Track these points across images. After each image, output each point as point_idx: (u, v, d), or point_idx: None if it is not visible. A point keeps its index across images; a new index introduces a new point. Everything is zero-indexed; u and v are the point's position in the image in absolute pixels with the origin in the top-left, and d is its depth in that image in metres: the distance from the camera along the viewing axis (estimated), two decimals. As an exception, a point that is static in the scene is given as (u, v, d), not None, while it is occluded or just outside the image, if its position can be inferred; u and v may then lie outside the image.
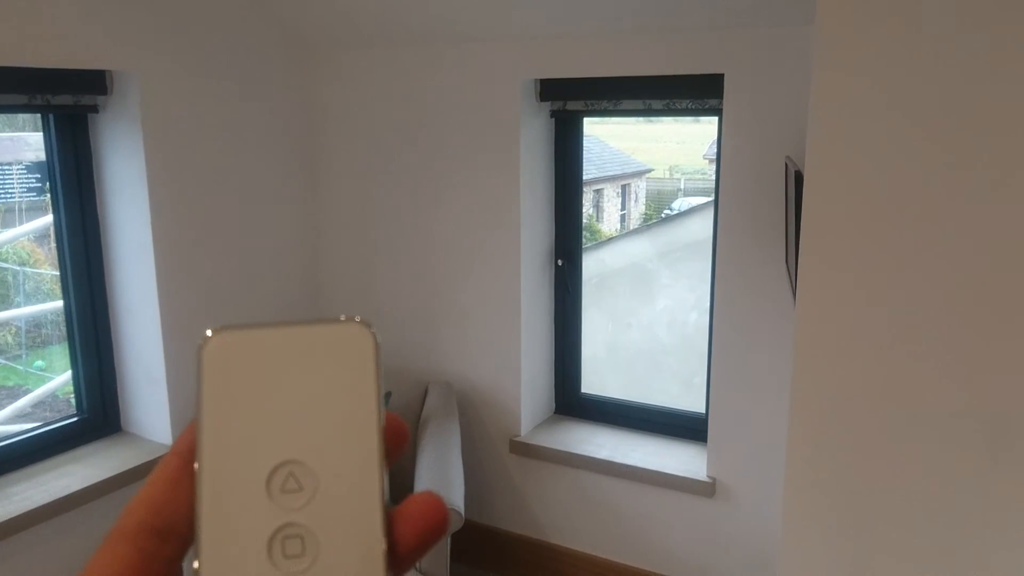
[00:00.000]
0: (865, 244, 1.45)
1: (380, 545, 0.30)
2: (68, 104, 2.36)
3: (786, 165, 2.12)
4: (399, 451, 0.32)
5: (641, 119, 5.03)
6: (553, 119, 2.76)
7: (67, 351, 2.59)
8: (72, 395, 2.80)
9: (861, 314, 1.48)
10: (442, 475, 2.34)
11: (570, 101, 2.65)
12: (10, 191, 4.26)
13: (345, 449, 0.30)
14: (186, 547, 0.31)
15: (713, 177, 2.51)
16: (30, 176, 4.00)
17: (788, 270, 2.13)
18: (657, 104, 2.50)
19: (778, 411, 2.33)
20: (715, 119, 2.47)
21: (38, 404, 4.05)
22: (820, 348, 1.53)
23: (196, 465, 0.29)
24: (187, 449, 0.31)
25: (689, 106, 2.46)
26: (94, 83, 2.39)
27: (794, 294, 1.64)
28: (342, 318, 0.31)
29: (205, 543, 0.29)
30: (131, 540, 0.30)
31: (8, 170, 4.14)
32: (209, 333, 0.30)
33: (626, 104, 2.55)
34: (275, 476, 0.29)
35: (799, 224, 1.54)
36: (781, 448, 1.63)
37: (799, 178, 1.63)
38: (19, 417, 3.90)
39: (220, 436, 0.29)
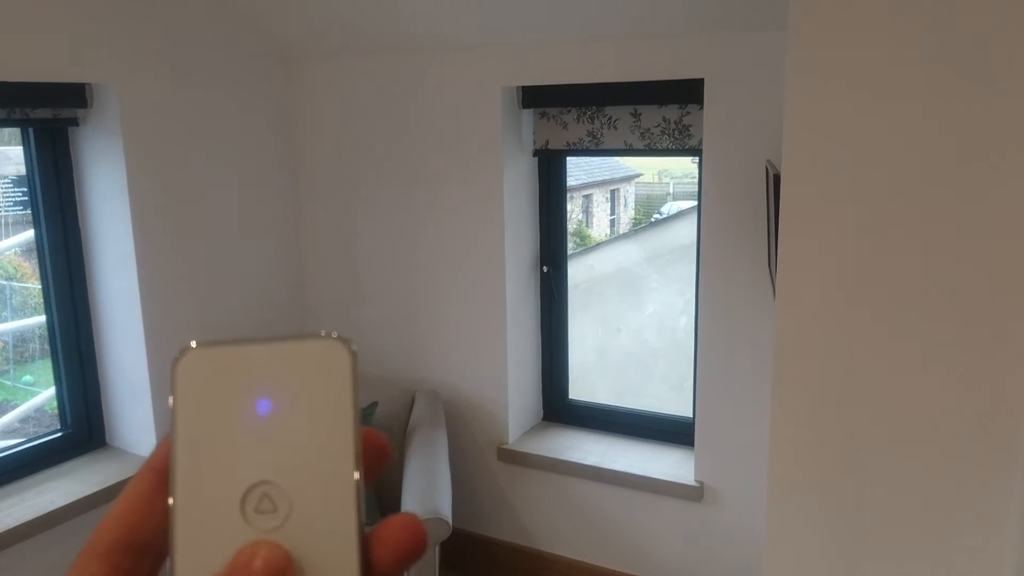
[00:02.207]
0: (842, 245, 1.45)
1: (355, 570, 0.29)
2: (48, 118, 2.35)
3: (766, 168, 2.12)
4: (379, 469, 0.31)
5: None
6: (536, 158, 2.78)
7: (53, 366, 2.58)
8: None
9: (840, 315, 1.48)
10: (429, 484, 2.33)
11: (552, 127, 2.66)
12: (-4, 205, 4.24)
13: (320, 470, 0.29)
14: (160, 563, 0.30)
15: (702, 181, 2.52)
16: (16, 190, 3.99)
17: (770, 273, 2.13)
18: (638, 144, 2.52)
19: (764, 414, 2.32)
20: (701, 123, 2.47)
21: (25, 419, 4.02)
22: (799, 349, 1.53)
23: (170, 484, 0.29)
24: (161, 464, 0.30)
25: (670, 146, 2.48)
26: (74, 96, 2.38)
27: (775, 296, 1.64)
28: (320, 333, 0.30)
29: (179, 565, 0.28)
30: (105, 558, 0.30)
31: (-5, 184, 4.12)
32: (184, 348, 0.30)
33: (607, 143, 2.57)
34: (249, 496, 0.29)
35: (778, 226, 1.54)
36: (767, 450, 1.63)
37: (778, 181, 1.63)
38: (7, 433, 3.87)
39: (194, 455, 0.29)
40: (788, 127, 1.48)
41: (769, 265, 2.14)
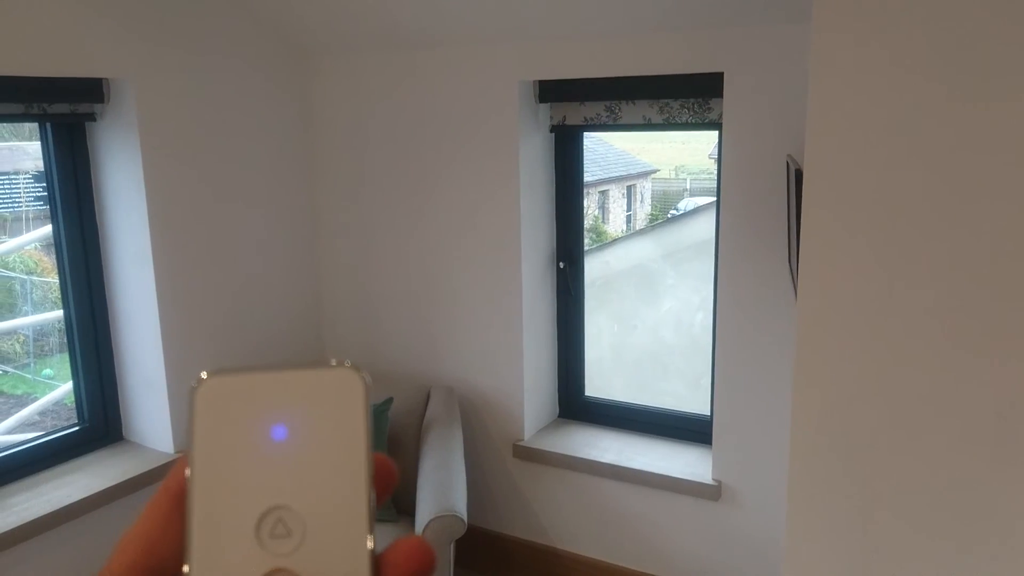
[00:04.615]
0: (865, 242, 1.43)
1: None
2: (65, 113, 2.36)
3: (787, 164, 2.09)
4: (388, 493, 0.32)
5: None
6: (552, 134, 2.75)
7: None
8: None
9: (862, 312, 1.45)
10: (445, 480, 2.32)
11: (568, 103, 2.63)
12: (16, 200, 4.28)
13: (334, 495, 0.30)
14: None
15: (718, 177, 2.49)
16: (36, 185, 4.02)
17: (791, 269, 2.10)
18: (656, 119, 2.49)
19: (783, 412, 2.29)
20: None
21: (44, 412, 4.06)
22: (821, 347, 1.51)
23: (187, 508, 0.29)
24: (177, 487, 0.31)
25: (689, 120, 2.44)
26: (91, 91, 2.38)
27: (796, 293, 1.62)
28: (334, 362, 0.31)
29: None
30: None
31: (15, 179, 4.15)
32: (203, 376, 0.30)
33: (625, 118, 2.54)
34: (264, 521, 0.30)
35: (800, 222, 1.51)
36: (787, 449, 1.61)
37: (800, 176, 1.60)
38: (27, 426, 3.91)
39: (211, 480, 0.30)
40: (811, 121, 1.45)
41: (789, 262, 2.11)
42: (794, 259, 1.79)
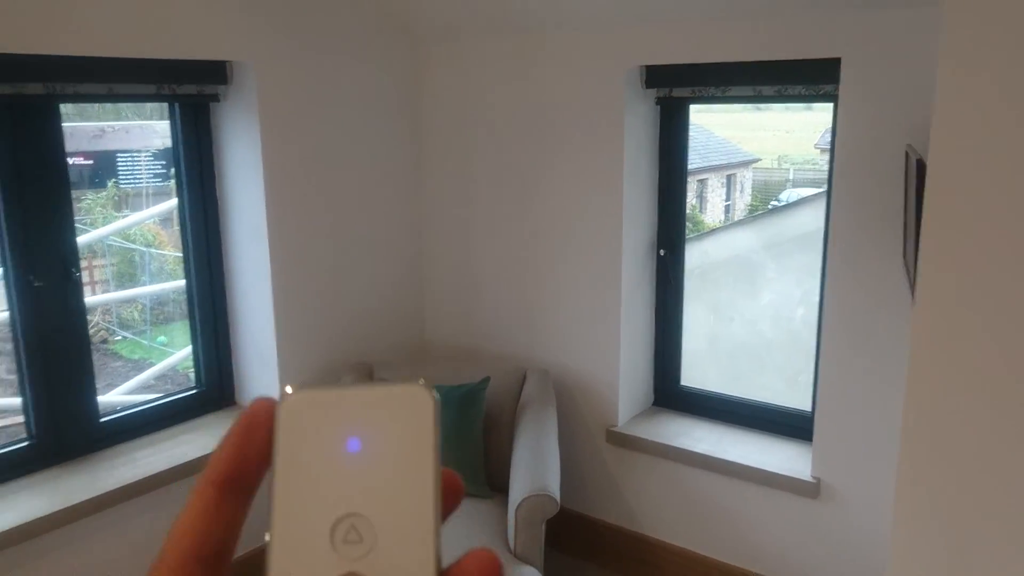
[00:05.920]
0: (992, 241, 1.36)
1: None
2: (192, 93, 2.49)
3: (906, 154, 2.01)
4: (455, 507, 0.34)
5: (749, 108, 4.85)
6: (659, 106, 2.72)
7: (187, 328, 2.75)
8: (190, 370, 2.97)
9: (984, 316, 1.39)
10: (539, 461, 2.36)
11: (676, 88, 2.60)
12: (138, 177, 4.55)
13: (404, 505, 0.32)
14: (229, 574, 0.33)
15: (824, 167, 2.41)
16: (156, 162, 4.26)
17: (906, 266, 2.02)
18: (768, 90, 2.42)
19: (889, 412, 2.22)
20: (828, 106, 2.37)
21: (161, 377, 4.32)
22: (939, 352, 1.45)
23: (269, 513, 0.32)
24: (221, 478, 0.32)
25: (802, 92, 2.37)
26: (216, 74, 2.51)
27: (912, 292, 1.56)
28: (407, 381, 0.33)
29: None
30: (178, 571, 0.31)
31: (137, 157, 4.42)
32: (288, 390, 0.33)
33: (735, 90, 2.48)
34: (339, 527, 0.31)
35: (919, 217, 1.46)
36: (891, 451, 1.56)
37: (921, 168, 1.55)
38: (143, 388, 4.18)
39: (292, 487, 0.32)
40: (938, 112, 1.39)
41: (904, 259, 2.03)
42: (911, 256, 1.73)
